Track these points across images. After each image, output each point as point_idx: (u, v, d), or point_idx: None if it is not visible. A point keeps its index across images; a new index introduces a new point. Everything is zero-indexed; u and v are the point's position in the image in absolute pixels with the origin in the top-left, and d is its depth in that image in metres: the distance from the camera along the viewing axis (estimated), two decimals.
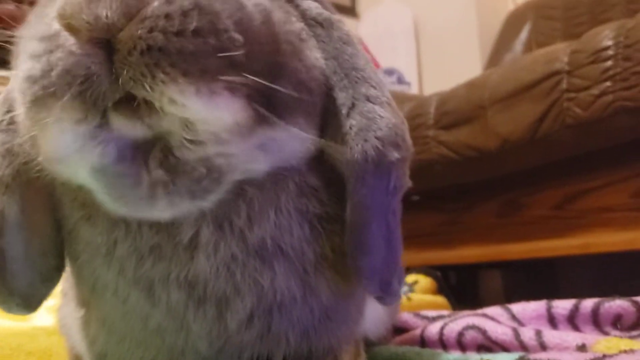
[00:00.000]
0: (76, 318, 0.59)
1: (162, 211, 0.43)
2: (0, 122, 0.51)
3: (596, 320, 0.81)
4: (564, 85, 1.52)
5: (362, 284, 0.54)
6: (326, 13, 0.55)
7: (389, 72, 3.70)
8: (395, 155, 0.50)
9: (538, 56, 1.68)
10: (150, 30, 0.37)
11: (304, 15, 0.54)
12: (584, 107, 1.47)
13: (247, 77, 0.40)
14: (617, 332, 0.79)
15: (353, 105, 0.51)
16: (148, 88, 0.37)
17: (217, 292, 0.49)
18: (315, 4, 0.55)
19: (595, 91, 1.44)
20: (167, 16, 0.37)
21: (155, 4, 0.37)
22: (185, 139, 0.40)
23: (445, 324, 0.85)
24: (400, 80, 3.66)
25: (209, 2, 0.39)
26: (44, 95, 0.39)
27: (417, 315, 1.00)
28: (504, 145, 1.67)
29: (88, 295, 0.55)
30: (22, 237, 0.51)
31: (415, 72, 3.66)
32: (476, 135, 1.75)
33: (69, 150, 0.40)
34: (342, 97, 0.52)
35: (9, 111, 0.49)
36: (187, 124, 0.39)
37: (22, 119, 0.43)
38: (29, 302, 0.54)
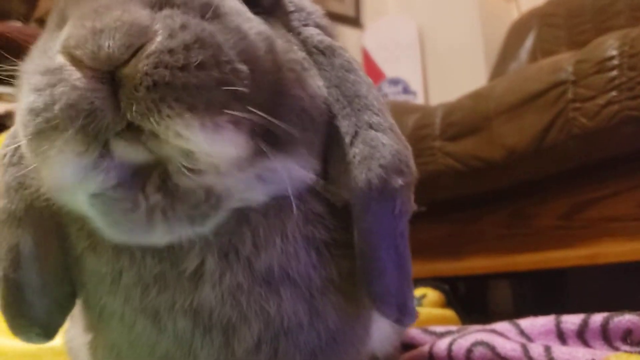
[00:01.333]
0: (84, 342, 0.59)
1: (160, 237, 0.43)
2: (11, 157, 0.52)
3: (606, 335, 0.81)
4: (569, 95, 1.52)
5: (378, 308, 0.53)
6: (328, 40, 0.55)
7: (395, 81, 3.71)
8: (399, 182, 0.50)
9: (543, 66, 1.68)
10: (155, 66, 0.37)
11: (305, 43, 0.54)
12: (590, 117, 1.46)
13: (252, 111, 0.40)
14: (627, 347, 0.78)
15: (356, 134, 0.52)
16: (154, 122, 0.38)
17: (223, 320, 0.50)
18: (317, 31, 0.55)
19: (600, 101, 1.44)
20: (171, 51, 0.38)
21: (159, 39, 0.38)
22: (184, 166, 0.40)
23: (454, 340, 0.85)
24: (406, 90, 3.67)
25: (211, 34, 0.40)
26: (46, 128, 0.39)
27: (425, 331, 0.99)
28: (510, 155, 1.67)
29: (95, 322, 0.55)
30: (37, 268, 0.52)
31: (420, 81, 3.67)
32: (482, 146, 1.75)
33: (71, 180, 0.40)
34: (345, 126, 0.52)
35: (19, 144, 0.50)
36: (188, 154, 0.39)
37: (24, 151, 0.43)
38: (48, 331, 0.55)
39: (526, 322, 0.88)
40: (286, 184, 0.48)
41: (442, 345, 0.85)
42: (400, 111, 2.37)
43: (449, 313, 1.37)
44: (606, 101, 1.43)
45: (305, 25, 0.55)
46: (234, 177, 0.42)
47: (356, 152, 0.51)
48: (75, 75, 0.38)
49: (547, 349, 0.75)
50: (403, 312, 0.53)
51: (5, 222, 0.52)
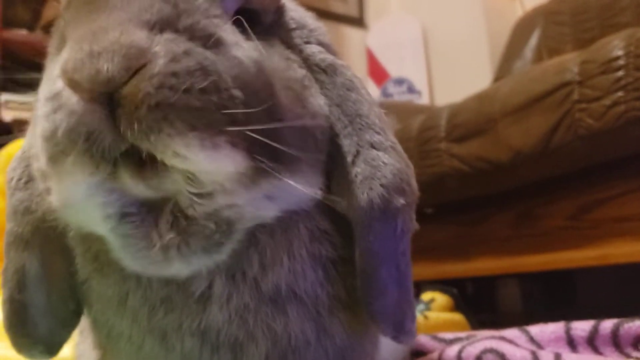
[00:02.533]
0: (93, 359, 0.60)
1: (178, 270, 0.44)
2: (18, 181, 0.53)
3: (616, 342, 0.80)
4: (575, 96, 1.51)
5: (376, 326, 0.53)
6: (330, 58, 0.55)
7: (399, 81, 3.71)
8: (400, 201, 0.51)
9: (548, 67, 1.67)
10: (160, 87, 0.38)
11: (307, 61, 0.54)
12: (596, 118, 1.46)
13: (249, 130, 0.41)
14: (637, 354, 0.78)
15: (357, 153, 0.52)
16: (152, 141, 0.38)
17: (231, 339, 0.50)
18: (319, 49, 0.55)
19: (607, 101, 1.43)
20: (175, 74, 0.38)
21: (161, 61, 0.38)
22: (192, 193, 0.40)
23: (463, 347, 0.85)
24: (411, 90, 3.66)
25: (212, 62, 0.40)
26: (56, 152, 0.40)
27: (434, 338, 0.99)
28: (516, 157, 1.66)
29: (104, 341, 0.56)
30: (42, 288, 0.53)
31: (425, 80, 3.66)
32: (488, 147, 1.74)
33: (82, 198, 0.41)
34: (346, 145, 0.52)
35: (25, 170, 0.50)
36: (190, 178, 0.40)
37: (42, 173, 0.44)
38: (51, 348, 0.55)
39: (536, 329, 0.88)
40: (293, 201, 0.48)
41: (451, 352, 0.85)
42: (405, 112, 2.37)
43: (457, 317, 1.37)
44: (612, 102, 1.42)
45: (307, 42, 0.55)
46: (242, 197, 0.42)
47: (358, 171, 0.51)
48: (72, 100, 0.38)
49: (558, 357, 0.75)
50: (400, 331, 0.53)
51: (12, 245, 0.53)
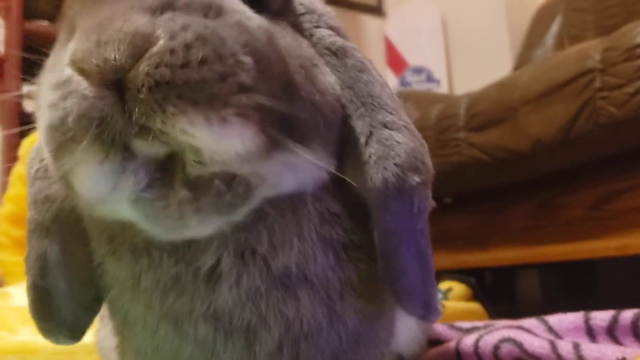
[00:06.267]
0: (112, 346, 0.61)
1: (196, 229, 0.43)
2: (37, 170, 0.53)
3: (636, 332, 0.80)
4: (597, 83, 1.49)
5: (402, 306, 0.53)
6: (340, 41, 0.55)
7: (418, 70, 3.68)
8: (416, 179, 0.50)
9: (569, 54, 1.65)
10: (156, 66, 0.38)
11: (317, 45, 0.54)
12: (618, 106, 1.43)
13: (257, 98, 0.40)
14: None
15: (371, 134, 0.52)
16: (160, 121, 0.38)
17: (244, 323, 0.50)
18: (329, 32, 0.55)
19: (629, 89, 1.41)
20: (172, 51, 0.38)
21: (161, 42, 0.38)
22: (194, 160, 0.40)
23: (481, 337, 0.85)
24: (430, 78, 3.64)
25: (213, 30, 0.40)
26: (65, 141, 0.40)
27: (452, 327, 0.99)
28: (536, 146, 1.65)
29: (121, 327, 0.56)
30: (64, 274, 0.53)
31: (444, 69, 3.63)
32: (507, 136, 1.73)
33: (104, 190, 0.41)
34: (359, 126, 0.52)
35: (43, 160, 0.51)
36: (196, 150, 0.39)
37: (50, 166, 0.44)
38: (76, 332, 0.56)
39: (554, 319, 0.87)
40: (305, 177, 0.48)
41: (468, 341, 0.85)
42: (423, 102, 2.35)
43: (475, 306, 1.36)
44: (635, 89, 1.40)
45: (317, 27, 0.55)
46: (262, 166, 0.42)
47: (371, 152, 0.51)
48: (83, 85, 0.38)
49: (576, 346, 0.74)
50: (427, 309, 0.53)
51: (34, 232, 0.54)
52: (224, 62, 0.39)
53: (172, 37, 0.38)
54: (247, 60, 0.40)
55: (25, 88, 2.35)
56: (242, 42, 0.41)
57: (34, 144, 0.56)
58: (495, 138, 1.77)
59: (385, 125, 0.52)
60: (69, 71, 0.39)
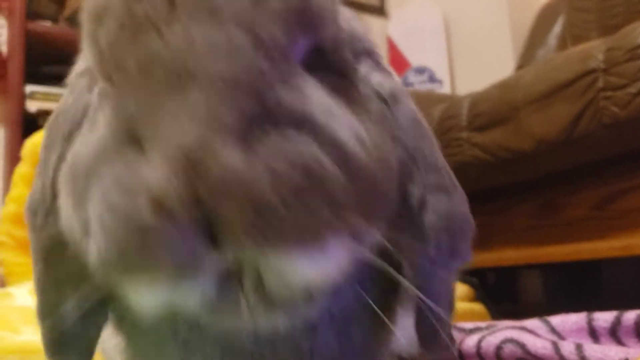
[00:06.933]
0: (115, 345, 0.61)
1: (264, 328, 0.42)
2: (44, 216, 0.48)
3: (639, 333, 0.79)
4: (599, 83, 1.48)
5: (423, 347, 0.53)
6: (388, 84, 0.49)
7: (420, 70, 3.68)
8: (466, 245, 0.50)
9: (572, 54, 1.64)
10: (256, 208, 0.33)
11: (364, 90, 0.47)
12: (622, 106, 1.43)
13: (359, 226, 0.36)
14: None
15: (422, 197, 0.48)
16: (254, 263, 0.35)
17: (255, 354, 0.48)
18: (374, 69, 0.50)
19: (632, 89, 1.40)
20: (273, 188, 0.33)
21: (261, 184, 0.33)
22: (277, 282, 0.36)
23: (483, 337, 0.85)
24: (432, 79, 3.64)
25: (312, 156, 0.35)
26: (139, 265, 0.34)
27: (454, 327, 0.99)
28: (539, 146, 1.64)
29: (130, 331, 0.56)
30: (82, 323, 0.50)
31: (446, 69, 3.63)
32: (510, 136, 1.72)
33: (164, 303, 0.37)
34: (412, 191, 0.48)
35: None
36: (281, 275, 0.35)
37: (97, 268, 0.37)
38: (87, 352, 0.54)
39: (557, 320, 0.87)
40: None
41: (470, 342, 0.85)
42: (426, 102, 2.35)
43: (477, 307, 1.36)
44: (638, 89, 1.39)
45: (357, 57, 0.49)
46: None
47: (425, 218, 0.47)
48: (166, 225, 0.33)
49: (579, 347, 0.74)
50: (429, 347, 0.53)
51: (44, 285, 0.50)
52: (326, 194, 0.34)
53: (273, 176, 0.33)
54: (347, 186, 0.36)
55: (29, 88, 2.36)
56: (339, 162, 0.36)
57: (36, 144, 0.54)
58: (498, 138, 1.77)
59: (436, 189, 0.48)
60: (141, 200, 0.33)
